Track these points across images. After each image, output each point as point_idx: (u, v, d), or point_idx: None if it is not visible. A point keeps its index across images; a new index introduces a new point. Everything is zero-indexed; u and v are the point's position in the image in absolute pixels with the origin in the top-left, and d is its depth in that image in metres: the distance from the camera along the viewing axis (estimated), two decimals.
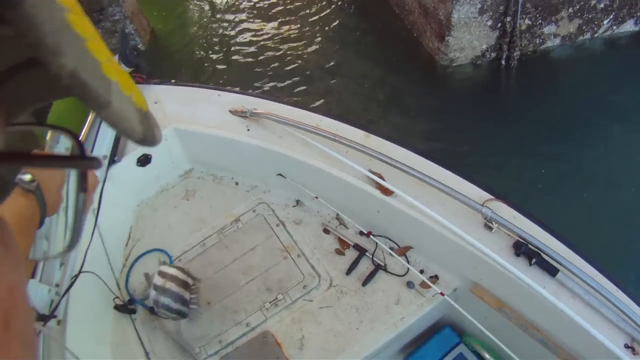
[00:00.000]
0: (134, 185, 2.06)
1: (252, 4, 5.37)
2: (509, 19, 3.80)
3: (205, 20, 5.34)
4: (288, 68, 4.58)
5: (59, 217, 0.67)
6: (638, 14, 4.00)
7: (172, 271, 1.67)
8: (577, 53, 4.11)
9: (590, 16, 3.95)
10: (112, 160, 1.92)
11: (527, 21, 3.89)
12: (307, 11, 5.10)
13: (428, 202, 1.56)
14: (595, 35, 4.09)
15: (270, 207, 2.03)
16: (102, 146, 1.91)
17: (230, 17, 5.29)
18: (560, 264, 1.38)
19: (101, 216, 1.73)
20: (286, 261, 1.87)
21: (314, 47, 4.73)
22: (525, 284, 1.39)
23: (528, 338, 1.53)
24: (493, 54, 4.08)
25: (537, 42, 4.05)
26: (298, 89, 4.37)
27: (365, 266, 1.82)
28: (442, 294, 1.63)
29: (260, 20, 5.15)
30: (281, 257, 1.88)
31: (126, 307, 1.79)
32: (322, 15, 5.02)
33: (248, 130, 1.90)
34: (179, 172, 2.19)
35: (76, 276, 1.58)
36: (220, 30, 5.17)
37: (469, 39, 3.94)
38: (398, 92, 4.14)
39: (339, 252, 1.87)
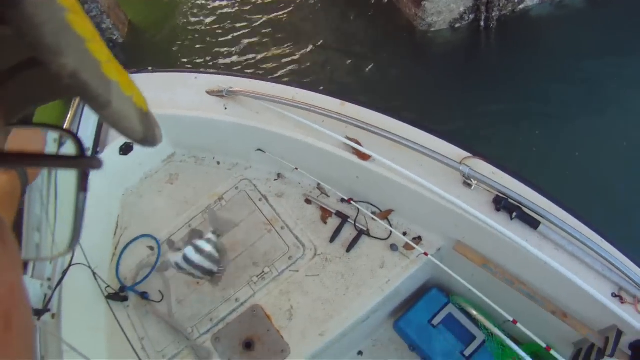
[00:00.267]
0: (118, 174, 2.05)
1: None
2: None
3: (185, 9, 5.22)
4: (270, 48, 4.53)
5: (57, 218, 0.66)
6: None
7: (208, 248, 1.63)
8: (557, 11, 4.06)
9: None
10: (95, 152, 1.91)
11: None
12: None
13: (406, 164, 1.55)
14: None
15: (252, 182, 2.03)
16: (84, 138, 1.88)
17: (209, 3, 5.19)
18: (541, 216, 1.38)
19: (88, 208, 1.72)
20: (270, 234, 1.88)
21: (298, 23, 4.69)
22: (508, 238, 1.39)
23: (515, 293, 1.54)
24: (471, 16, 4.03)
25: (516, 1, 4.00)
26: (284, 68, 4.35)
27: (348, 232, 1.82)
28: (425, 254, 1.63)
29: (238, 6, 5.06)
30: (265, 230, 1.89)
31: (118, 296, 1.80)
32: None
33: (225, 109, 1.89)
34: (161, 157, 2.18)
35: (67, 269, 1.58)
36: (200, 18, 5.07)
37: (445, 1, 3.88)
38: (378, 61, 4.10)
39: (323, 220, 1.87)
